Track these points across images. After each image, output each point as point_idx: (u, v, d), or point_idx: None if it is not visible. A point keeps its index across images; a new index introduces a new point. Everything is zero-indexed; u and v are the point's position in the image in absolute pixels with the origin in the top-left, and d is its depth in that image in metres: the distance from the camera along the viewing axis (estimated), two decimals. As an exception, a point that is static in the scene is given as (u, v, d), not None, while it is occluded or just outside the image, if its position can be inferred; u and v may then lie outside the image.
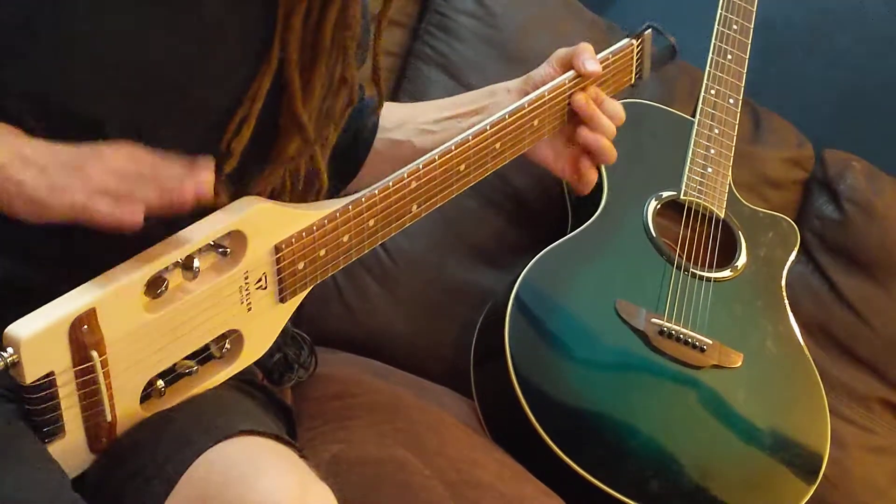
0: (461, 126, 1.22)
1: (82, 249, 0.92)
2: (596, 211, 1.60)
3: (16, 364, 0.85)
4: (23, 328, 0.85)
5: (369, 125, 1.27)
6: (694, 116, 1.68)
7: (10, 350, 0.84)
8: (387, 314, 1.68)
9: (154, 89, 0.97)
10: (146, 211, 0.89)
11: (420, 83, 1.77)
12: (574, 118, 1.22)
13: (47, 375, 0.87)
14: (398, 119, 1.28)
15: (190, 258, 0.92)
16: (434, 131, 1.25)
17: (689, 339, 1.53)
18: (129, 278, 0.89)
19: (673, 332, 1.52)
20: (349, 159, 1.26)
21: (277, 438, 0.99)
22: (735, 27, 1.69)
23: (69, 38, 0.92)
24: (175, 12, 0.95)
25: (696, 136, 1.66)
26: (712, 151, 1.67)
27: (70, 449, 0.92)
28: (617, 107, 1.23)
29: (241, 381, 1.08)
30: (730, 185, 1.68)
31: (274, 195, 1.04)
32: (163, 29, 0.96)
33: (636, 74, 1.30)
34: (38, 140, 0.90)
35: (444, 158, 1.09)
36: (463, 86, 1.73)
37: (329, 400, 1.42)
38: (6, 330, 0.85)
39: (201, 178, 0.90)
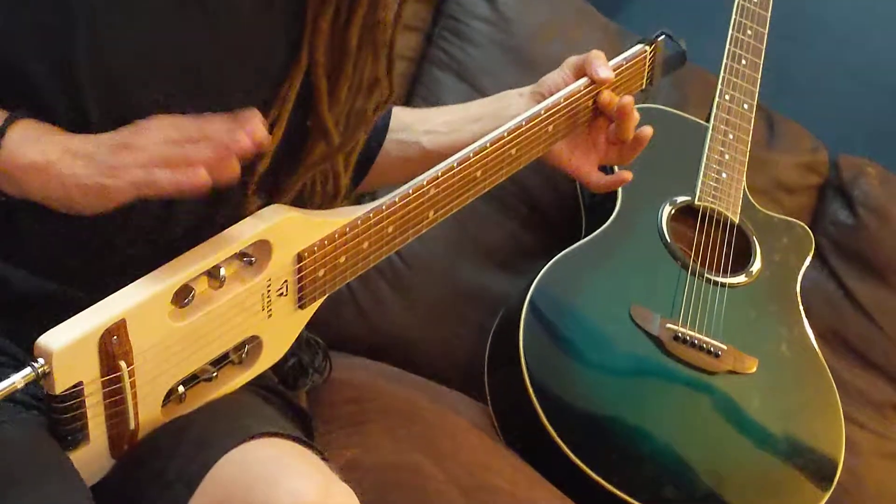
0: (471, 129, 1.23)
1: (104, 262, 0.92)
2: (610, 216, 1.60)
3: (47, 375, 0.84)
4: (54, 340, 0.84)
5: (378, 125, 1.27)
6: (708, 121, 1.68)
7: (41, 361, 0.84)
8: (401, 319, 1.67)
9: (189, 90, 0.97)
10: (208, 177, 0.87)
11: (434, 88, 1.77)
12: (597, 118, 1.23)
13: (76, 385, 0.87)
14: (406, 122, 1.28)
15: (216, 267, 0.92)
16: (443, 132, 1.25)
17: (704, 345, 1.53)
18: (158, 288, 0.89)
19: (688, 337, 1.52)
20: (360, 160, 1.26)
21: (297, 440, 0.99)
22: (750, 32, 1.69)
23: (105, 37, 0.92)
24: (210, 14, 0.96)
25: (710, 141, 1.66)
26: (727, 156, 1.67)
27: (92, 456, 0.92)
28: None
29: (258, 385, 1.08)
30: (744, 190, 1.68)
31: (298, 198, 1.04)
32: (198, 31, 0.96)
33: (647, 80, 1.31)
34: (79, 134, 0.91)
35: (462, 165, 1.09)
36: (477, 90, 1.74)
37: (343, 404, 1.42)
38: (38, 341, 0.84)
39: (251, 125, 0.89)
